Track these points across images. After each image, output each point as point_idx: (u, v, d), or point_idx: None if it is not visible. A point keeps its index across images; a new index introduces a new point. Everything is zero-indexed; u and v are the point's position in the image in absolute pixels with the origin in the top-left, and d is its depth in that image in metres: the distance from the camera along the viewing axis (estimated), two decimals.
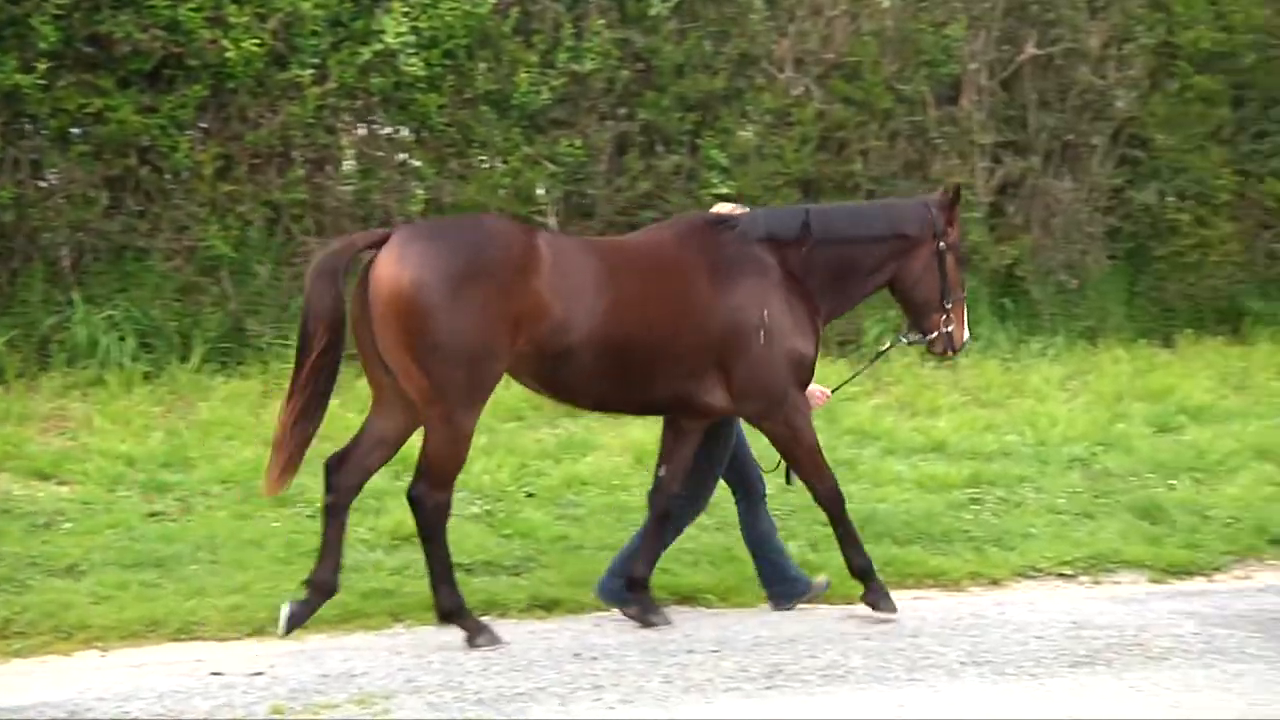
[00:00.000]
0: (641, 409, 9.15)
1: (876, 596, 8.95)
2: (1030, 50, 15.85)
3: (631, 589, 8.94)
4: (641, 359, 8.43)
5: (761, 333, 8.61)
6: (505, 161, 13.95)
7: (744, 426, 9.22)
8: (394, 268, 7.95)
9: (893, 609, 8.92)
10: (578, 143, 14.14)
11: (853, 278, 9.08)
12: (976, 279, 14.49)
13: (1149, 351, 15.34)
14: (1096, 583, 10.11)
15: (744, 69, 14.92)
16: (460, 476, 8.46)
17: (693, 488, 9.11)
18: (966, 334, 9.40)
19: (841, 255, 8.97)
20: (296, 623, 8.32)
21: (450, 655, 8.09)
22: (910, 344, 9.75)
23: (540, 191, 14.09)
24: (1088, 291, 15.83)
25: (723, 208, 9.35)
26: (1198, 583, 10.19)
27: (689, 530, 9.60)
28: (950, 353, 9.42)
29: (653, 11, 14.43)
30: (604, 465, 11.56)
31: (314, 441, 8.30)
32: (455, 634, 8.31)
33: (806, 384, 8.93)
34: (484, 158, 14.09)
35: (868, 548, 9.14)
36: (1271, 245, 16.73)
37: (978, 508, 11.21)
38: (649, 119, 14.50)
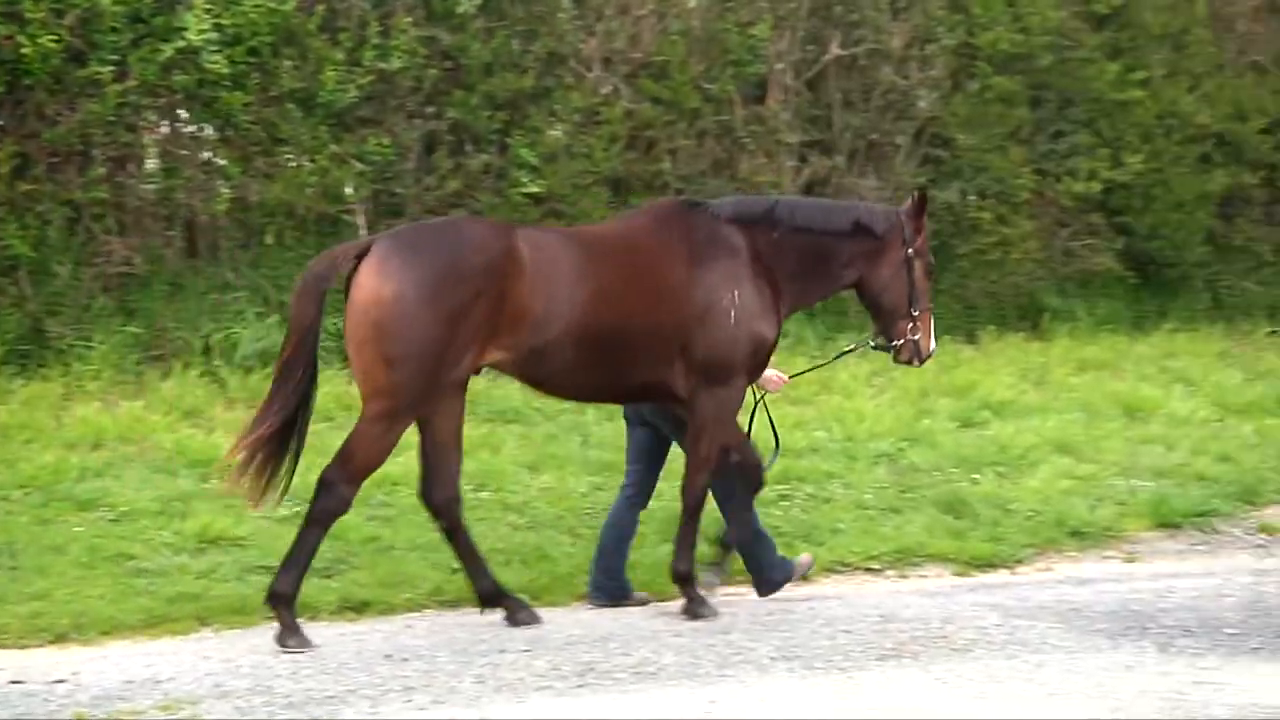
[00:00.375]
0: (623, 397, 9.22)
1: (695, 605, 9.01)
2: (835, 51, 16.03)
3: (718, 558, 9.31)
4: (623, 345, 8.55)
5: (732, 313, 8.74)
6: (312, 160, 13.79)
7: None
8: (375, 280, 8.08)
9: (713, 614, 8.98)
10: (386, 141, 14.03)
11: (819, 270, 9.23)
12: None
13: (953, 348, 15.56)
14: (903, 576, 10.26)
15: (552, 68, 14.91)
16: None
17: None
18: (933, 344, 9.48)
19: (809, 245, 9.12)
20: None
21: (259, 659, 8.00)
22: (876, 349, 9.83)
23: (348, 190, 13.95)
24: None
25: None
26: (1000, 575, 10.39)
27: (499, 529, 9.57)
28: (916, 361, 9.47)
29: (460, 10, 14.36)
30: (415, 466, 11.40)
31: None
32: (264, 637, 8.21)
33: (759, 371, 9.08)
34: (290, 156, 13.92)
35: None
36: (1069, 243, 17.09)
37: (787, 504, 11.31)
38: (457, 117, 14.43)
